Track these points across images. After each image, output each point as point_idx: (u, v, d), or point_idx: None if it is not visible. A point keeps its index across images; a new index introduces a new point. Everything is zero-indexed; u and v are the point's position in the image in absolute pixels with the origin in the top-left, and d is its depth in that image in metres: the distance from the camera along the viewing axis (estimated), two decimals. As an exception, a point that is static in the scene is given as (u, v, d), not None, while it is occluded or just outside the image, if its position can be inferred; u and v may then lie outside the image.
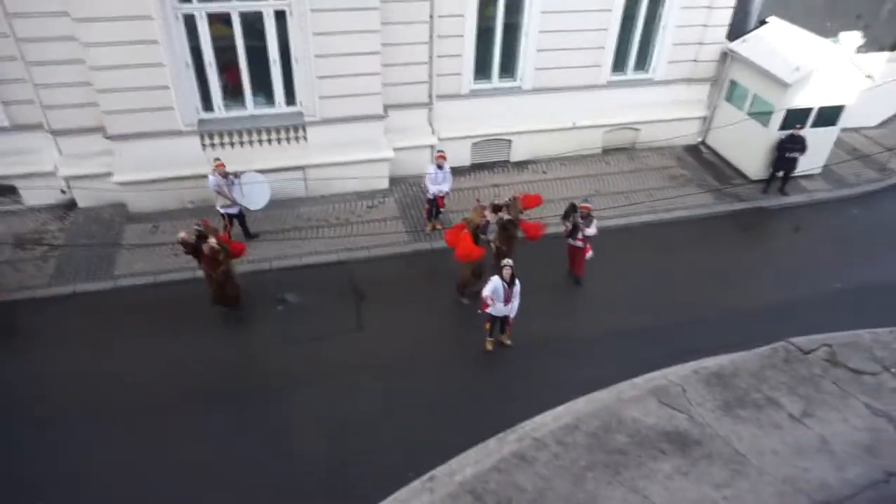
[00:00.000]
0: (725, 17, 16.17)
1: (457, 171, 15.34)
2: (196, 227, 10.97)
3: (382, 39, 13.47)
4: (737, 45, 16.37)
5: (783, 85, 14.93)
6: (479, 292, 10.90)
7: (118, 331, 11.24)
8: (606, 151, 17.22)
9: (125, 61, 12.29)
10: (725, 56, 16.69)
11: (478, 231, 11.46)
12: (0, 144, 13.27)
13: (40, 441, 9.39)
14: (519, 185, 15.16)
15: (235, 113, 13.94)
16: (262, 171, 13.21)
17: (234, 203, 12.79)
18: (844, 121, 16.11)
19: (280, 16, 13.00)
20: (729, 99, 16.93)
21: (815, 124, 15.58)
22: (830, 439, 2.01)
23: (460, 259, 11.65)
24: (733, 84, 16.75)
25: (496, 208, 11.79)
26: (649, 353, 9.93)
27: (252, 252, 12.97)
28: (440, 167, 13.35)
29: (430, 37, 14.13)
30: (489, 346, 11.26)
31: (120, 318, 11.49)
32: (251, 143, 13.93)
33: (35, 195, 13.88)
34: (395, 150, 14.82)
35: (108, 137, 13.08)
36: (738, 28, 16.57)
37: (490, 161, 16.51)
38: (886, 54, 18.03)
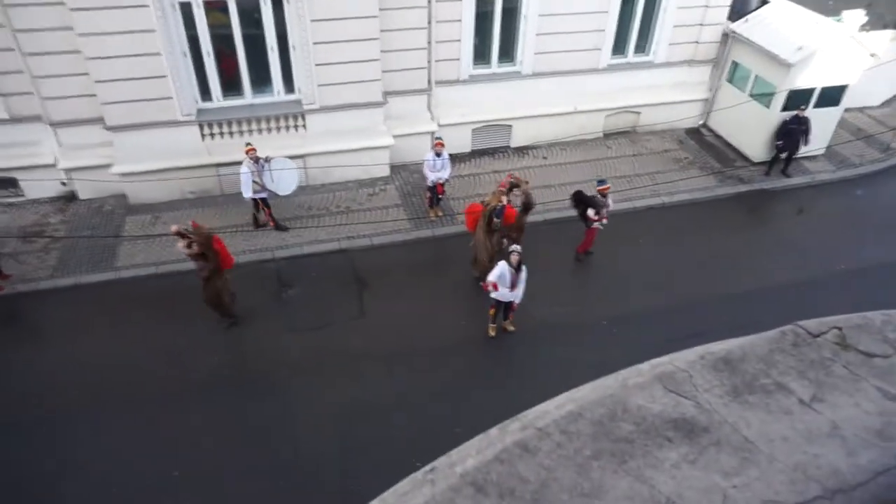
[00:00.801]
0: (727, -3, 15.98)
1: (457, 158, 15.29)
2: (184, 229, 10.17)
3: (381, 25, 13.36)
4: (738, 26, 16.18)
5: (785, 65, 14.77)
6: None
7: (121, 321, 11.27)
8: (607, 135, 17.12)
9: (122, 51, 12.20)
10: (727, 37, 16.49)
11: (493, 215, 11.37)
12: (-1, 137, 13.23)
13: (43, 431, 9.41)
14: (520, 170, 15.05)
15: (234, 102, 13.85)
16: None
17: (264, 188, 12.77)
18: (847, 101, 15.96)
19: (277, 3, 12.88)
20: (730, 80, 16.77)
21: (818, 105, 15.44)
22: (841, 424, 1.96)
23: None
24: (735, 65, 16.58)
25: (510, 188, 11.67)
26: (654, 337, 9.96)
27: (253, 242, 12.97)
28: (438, 154, 13.27)
29: (429, 22, 14.00)
30: (492, 333, 11.24)
31: (122, 309, 11.52)
32: (250, 132, 13.84)
33: (36, 187, 13.85)
34: (395, 137, 14.75)
35: (107, 128, 13.03)
36: (739, 8, 16.39)
37: (490, 147, 16.42)
38: (890, 32, 17.81)
